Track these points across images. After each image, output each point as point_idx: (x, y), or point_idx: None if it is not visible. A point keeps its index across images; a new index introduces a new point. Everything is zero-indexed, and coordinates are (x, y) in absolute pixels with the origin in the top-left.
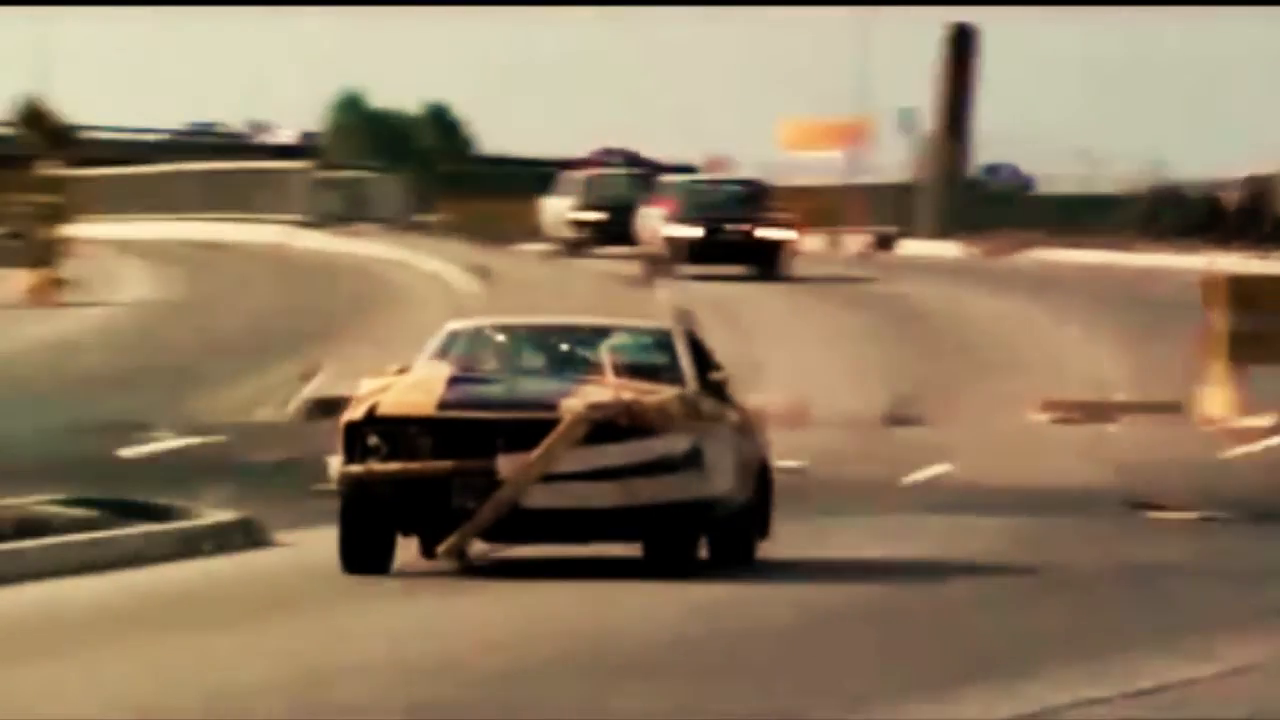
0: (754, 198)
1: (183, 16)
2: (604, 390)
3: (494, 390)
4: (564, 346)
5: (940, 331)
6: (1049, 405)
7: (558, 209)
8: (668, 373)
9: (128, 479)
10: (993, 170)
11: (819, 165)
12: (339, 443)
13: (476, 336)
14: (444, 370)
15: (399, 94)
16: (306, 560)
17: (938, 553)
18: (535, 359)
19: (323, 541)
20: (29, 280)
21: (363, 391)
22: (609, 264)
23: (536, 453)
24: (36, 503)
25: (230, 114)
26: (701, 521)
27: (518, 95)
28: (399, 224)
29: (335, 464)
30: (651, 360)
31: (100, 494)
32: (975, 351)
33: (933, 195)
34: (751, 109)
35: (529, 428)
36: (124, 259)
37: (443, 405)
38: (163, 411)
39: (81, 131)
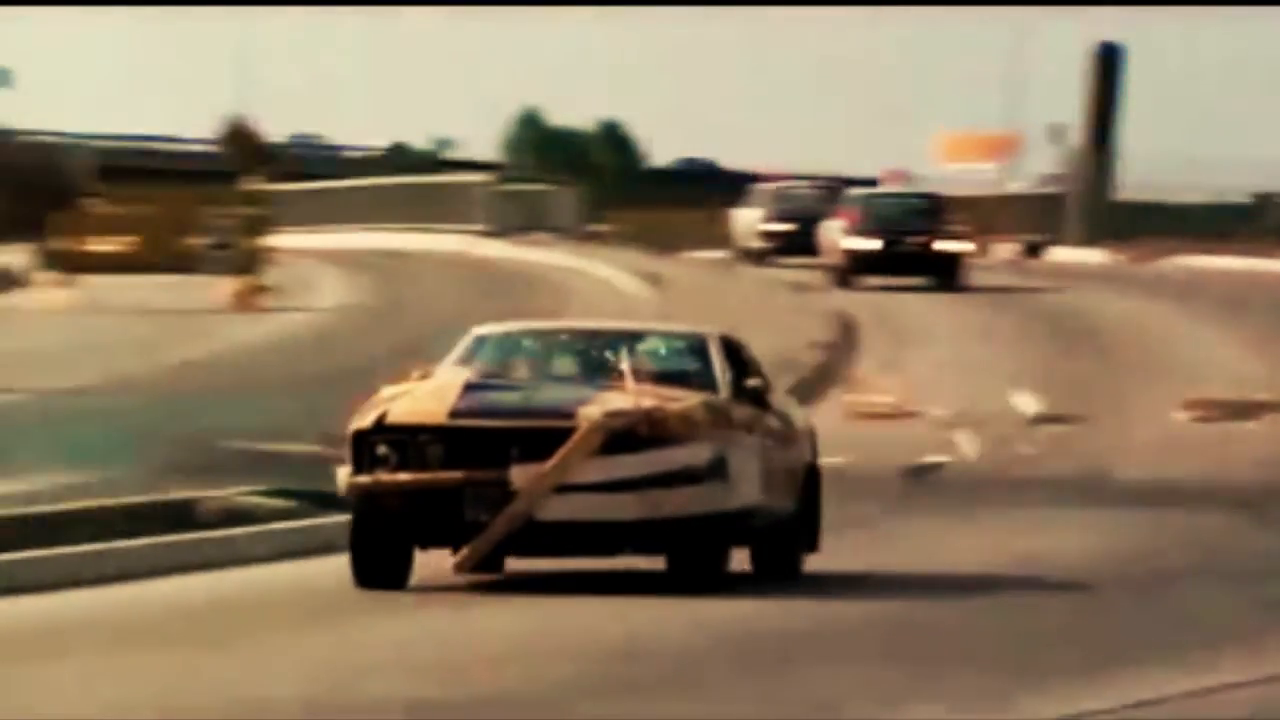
0: (932, 210)
1: (376, 41)
2: (625, 397)
3: (510, 397)
4: (597, 352)
5: (1087, 333)
6: (1191, 404)
7: (748, 220)
8: (699, 379)
9: (325, 471)
10: None
11: (972, 176)
12: (347, 452)
13: (505, 341)
14: (463, 376)
15: (574, 111)
16: None
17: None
18: (567, 365)
19: None
20: (234, 287)
21: (382, 397)
22: (778, 272)
23: (551, 463)
24: (241, 494)
25: (418, 132)
26: (728, 534)
27: (687, 110)
28: (574, 233)
29: (343, 474)
30: (684, 366)
31: (299, 486)
32: (1120, 351)
33: (1080, 205)
34: (906, 122)
35: (544, 436)
36: (321, 267)
37: (454, 413)
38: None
39: (284, 149)
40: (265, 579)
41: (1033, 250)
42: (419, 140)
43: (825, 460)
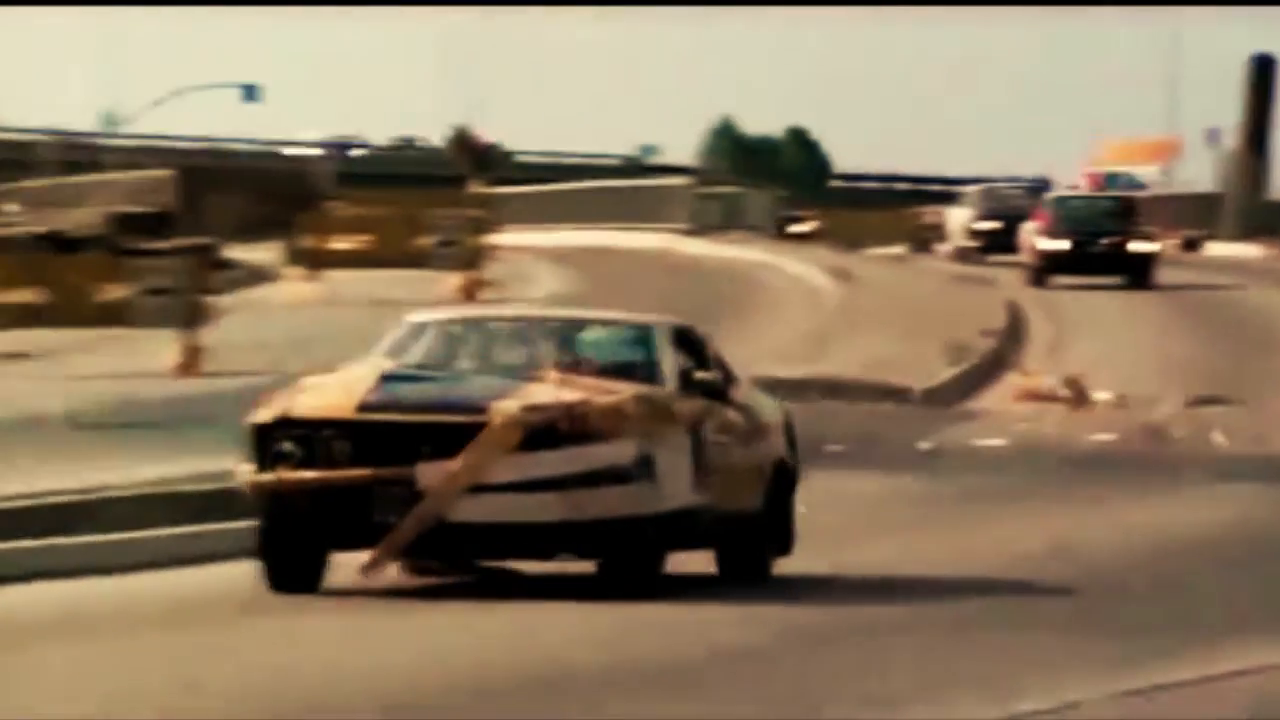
0: (1124, 212)
1: (588, 55)
2: (548, 391)
3: (423, 390)
4: (538, 342)
5: (1241, 321)
6: None
7: (960, 218)
8: (644, 371)
9: None
10: None
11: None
12: (249, 448)
13: (439, 330)
14: (381, 367)
15: (766, 119)
16: None
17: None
18: (506, 355)
19: None
20: (459, 280)
21: (296, 386)
22: (957, 267)
23: (460, 461)
24: None
25: (627, 140)
26: (661, 537)
27: (870, 116)
28: (767, 232)
29: (245, 471)
30: (628, 358)
31: None
32: (1274, 337)
33: (1235, 203)
34: (1066, 125)
35: (454, 432)
36: (536, 262)
37: (363, 407)
38: None
39: (511, 155)
40: None
41: (1190, 245)
42: (627, 148)
43: (986, 441)
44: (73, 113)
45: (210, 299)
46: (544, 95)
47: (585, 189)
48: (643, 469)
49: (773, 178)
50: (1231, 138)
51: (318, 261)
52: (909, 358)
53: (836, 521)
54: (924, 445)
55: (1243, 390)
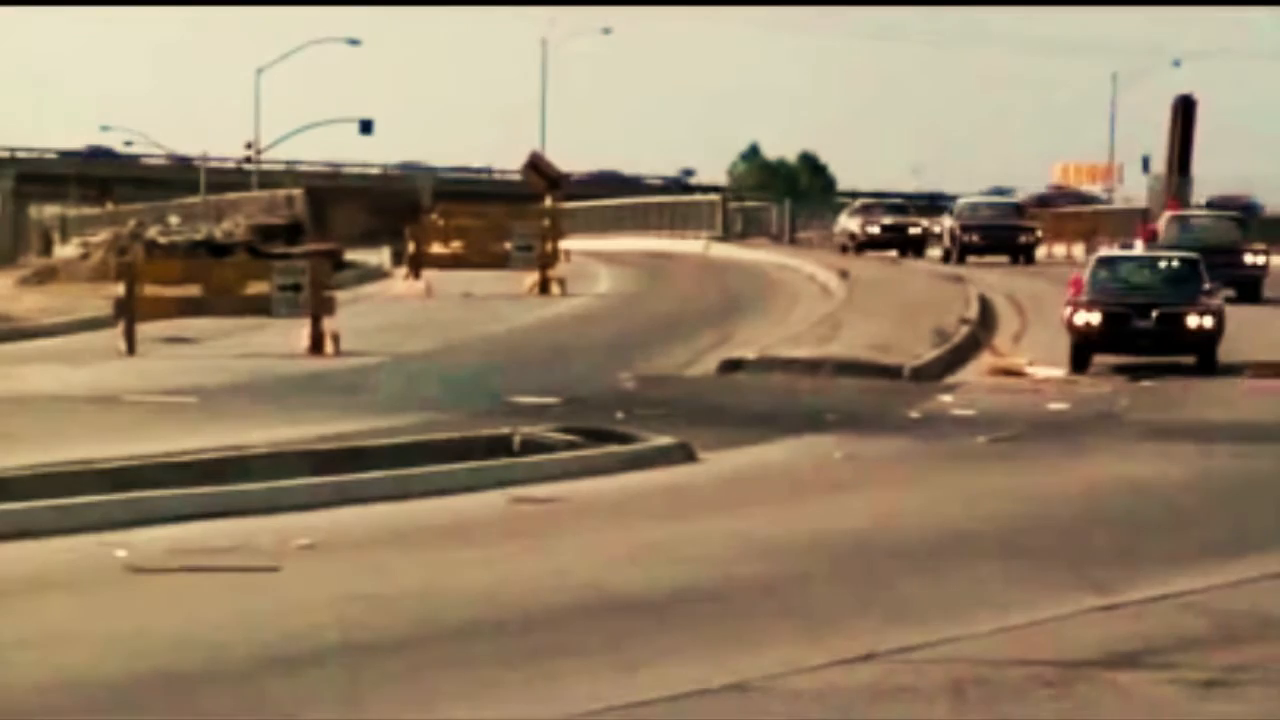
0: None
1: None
2: None
3: None
4: None
5: None
6: (1250, 367)
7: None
8: None
9: (596, 413)
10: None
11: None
12: None
13: None
14: None
15: (785, 144)
16: (723, 471)
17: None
18: None
19: (733, 458)
20: (534, 279)
21: None
22: (945, 268)
23: None
24: (540, 430)
25: (669, 163)
26: None
27: (869, 142)
28: (783, 239)
29: None
30: None
31: (580, 424)
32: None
33: (1155, 214)
34: (1030, 151)
35: None
36: (596, 264)
37: None
38: (623, 366)
39: (571, 175)
40: (562, 492)
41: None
42: (672, 170)
43: (964, 411)
44: (223, 141)
45: (333, 294)
46: (604, 126)
47: (635, 203)
48: None
49: (791, 195)
50: (1160, 163)
51: (420, 263)
52: (901, 341)
53: (848, 473)
54: (913, 414)
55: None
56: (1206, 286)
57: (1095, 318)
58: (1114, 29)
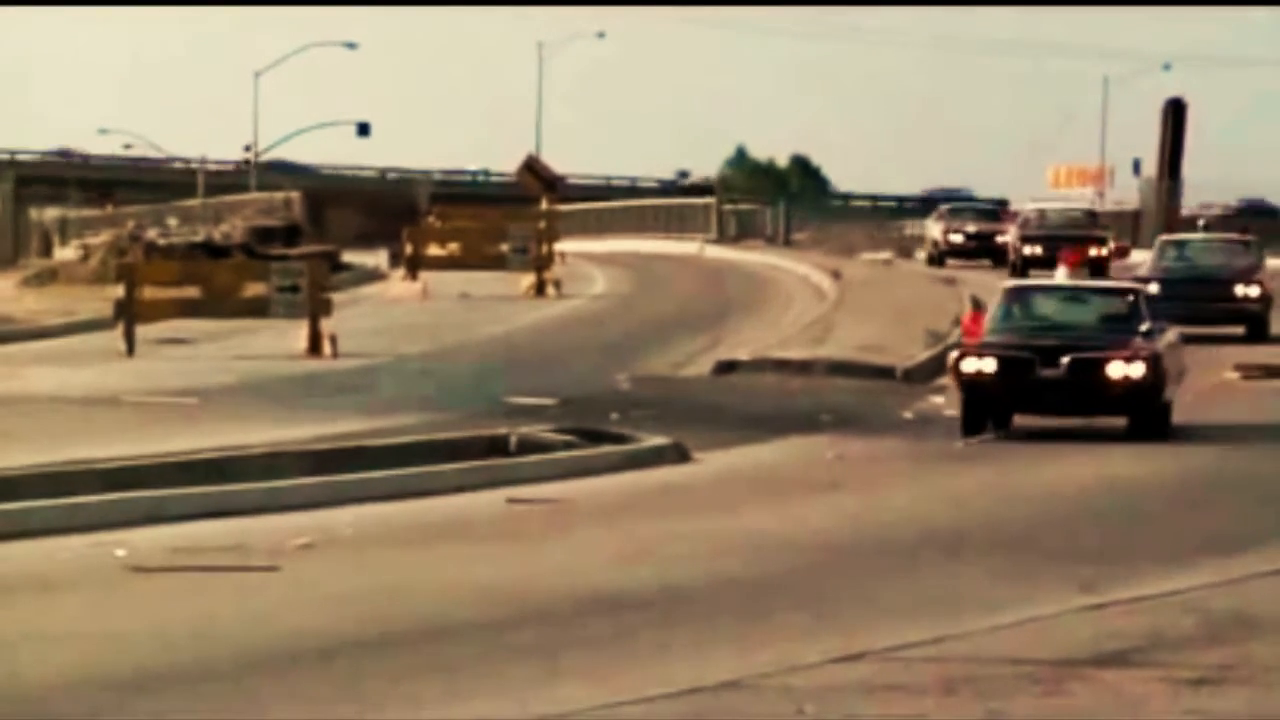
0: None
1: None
2: None
3: None
4: None
5: None
6: (1239, 366)
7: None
8: None
9: (592, 413)
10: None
11: (1075, 197)
12: None
13: None
14: None
15: (773, 147)
16: (717, 471)
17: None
18: None
19: (727, 458)
20: (529, 280)
21: None
22: (935, 270)
23: None
24: (537, 431)
25: (663, 166)
26: None
27: (861, 144)
28: (777, 241)
29: None
30: None
31: (576, 425)
32: None
33: (1154, 220)
34: (1024, 155)
35: None
36: (591, 266)
37: None
38: (619, 367)
39: (566, 178)
40: (558, 491)
41: (1121, 253)
42: (665, 172)
43: (955, 411)
44: (221, 144)
45: (331, 295)
46: (598, 131)
47: (630, 206)
48: None
49: (782, 197)
50: (1150, 166)
51: (417, 265)
52: (893, 342)
53: (841, 473)
54: (906, 414)
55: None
56: (1146, 326)
57: (989, 365)
58: (1105, 32)
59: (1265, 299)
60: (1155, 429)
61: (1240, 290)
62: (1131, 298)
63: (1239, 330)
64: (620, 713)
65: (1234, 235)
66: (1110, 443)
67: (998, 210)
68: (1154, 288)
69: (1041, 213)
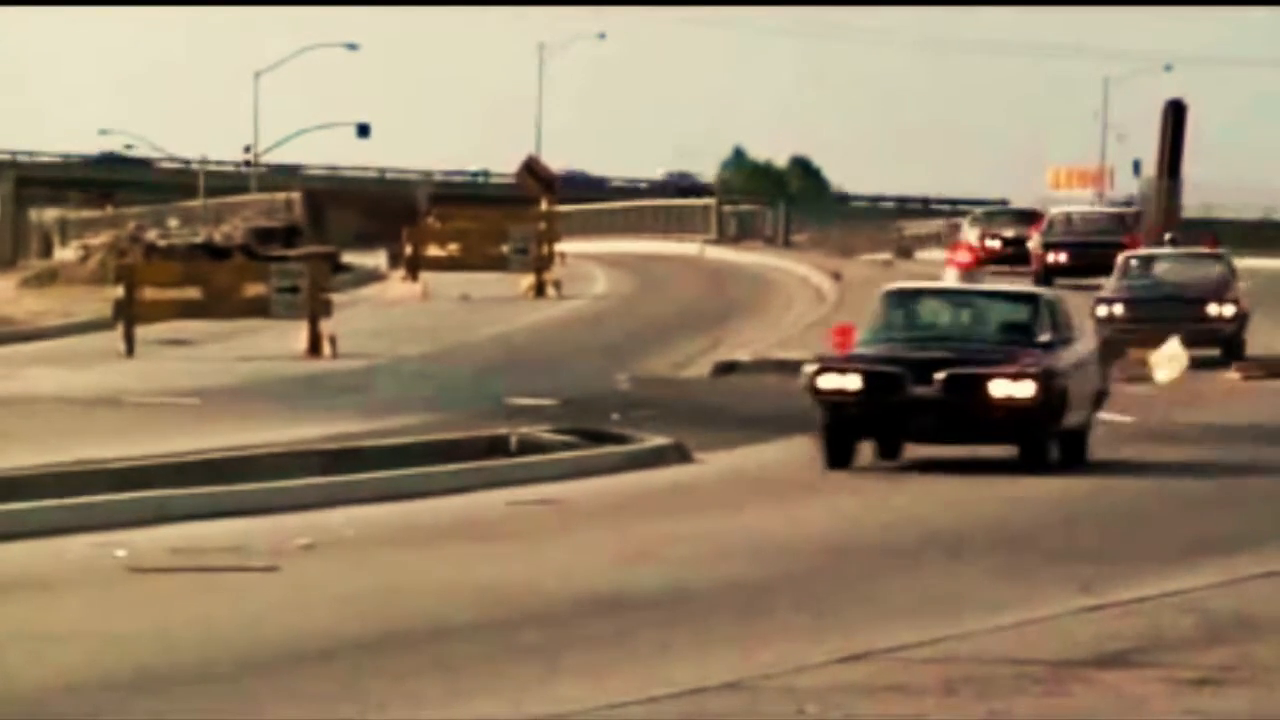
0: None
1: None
2: None
3: None
4: None
5: None
6: (1240, 367)
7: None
8: None
9: (592, 414)
10: None
11: (1075, 198)
12: None
13: None
14: None
15: (772, 148)
16: (718, 471)
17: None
18: None
19: (728, 459)
20: (529, 281)
21: None
22: (930, 269)
23: None
24: (538, 431)
25: (660, 165)
26: None
27: (861, 145)
28: (777, 242)
29: None
30: None
31: (577, 425)
32: None
33: (1154, 218)
34: (1022, 156)
35: None
36: (592, 266)
37: None
38: (619, 368)
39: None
40: (559, 492)
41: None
42: (660, 172)
43: None
44: (221, 144)
45: (331, 296)
46: (600, 130)
47: (630, 206)
48: None
49: (781, 198)
50: (1150, 166)
51: (417, 266)
52: None
53: (842, 474)
54: None
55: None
56: (1046, 338)
57: (852, 381)
58: (1105, 33)
59: (1240, 317)
60: (1043, 461)
61: (1214, 309)
62: (1032, 304)
63: (1213, 353)
64: (621, 713)
65: (1204, 248)
66: (1112, 443)
67: (1037, 214)
68: (1120, 309)
69: (1068, 217)
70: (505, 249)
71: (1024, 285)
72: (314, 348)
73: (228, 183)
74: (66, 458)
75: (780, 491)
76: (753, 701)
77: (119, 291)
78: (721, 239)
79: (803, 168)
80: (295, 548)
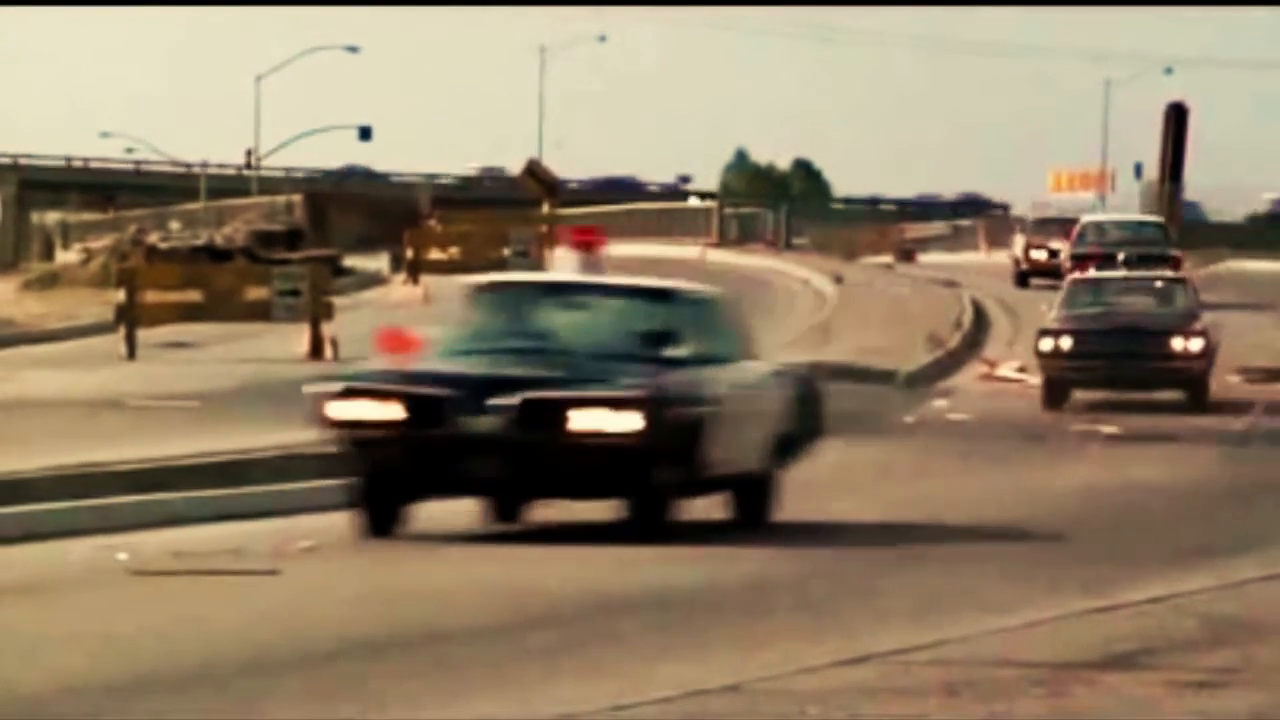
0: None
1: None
2: None
3: None
4: None
5: None
6: (1241, 370)
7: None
8: None
9: None
10: None
11: (1075, 201)
12: None
13: None
14: None
15: (774, 151)
16: None
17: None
18: None
19: None
20: None
21: None
22: (935, 272)
23: None
24: None
25: (668, 169)
26: None
27: (863, 148)
28: (778, 245)
29: None
30: None
31: None
32: None
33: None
34: (1023, 158)
35: None
36: None
37: None
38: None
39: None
40: None
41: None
42: (668, 176)
43: (957, 415)
44: (223, 147)
45: (332, 299)
46: (604, 137)
47: (631, 209)
48: None
49: (784, 201)
50: (1151, 170)
51: (418, 269)
52: (895, 346)
53: (842, 477)
54: (908, 418)
55: None
56: (684, 352)
57: (393, 410)
58: (1106, 35)
59: (1208, 354)
60: (659, 522)
61: (1179, 344)
62: (669, 303)
63: (1176, 396)
64: (622, 714)
65: (1167, 272)
66: (1116, 445)
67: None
68: (1067, 342)
69: (1100, 226)
70: (506, 252)
71: (671, 280)
72: (315, 351)
73: (229, 185)
74: (68, 461)
75: (780, 494)
76: (753, 703)
77: (120, 294)
78: (723, 242)
79: (804, 170)
80: (297, 550)
